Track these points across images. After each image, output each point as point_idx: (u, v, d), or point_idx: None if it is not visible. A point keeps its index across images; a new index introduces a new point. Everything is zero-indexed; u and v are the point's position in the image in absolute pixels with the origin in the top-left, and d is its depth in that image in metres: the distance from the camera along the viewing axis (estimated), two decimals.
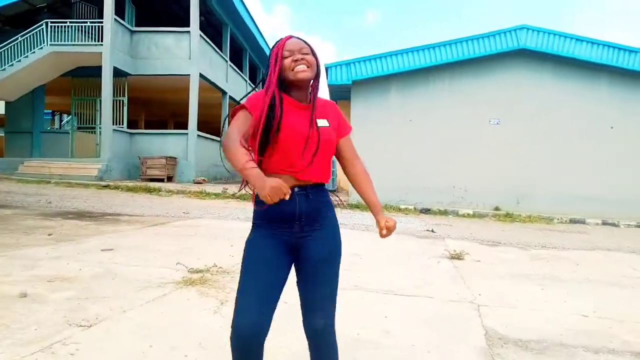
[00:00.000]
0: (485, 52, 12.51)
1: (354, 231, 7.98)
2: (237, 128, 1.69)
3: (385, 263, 5.35)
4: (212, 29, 19.99)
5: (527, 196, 12.85)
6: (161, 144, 16.84)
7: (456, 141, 12.93)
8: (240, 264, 1.81)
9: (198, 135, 17.13)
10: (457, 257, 5.72)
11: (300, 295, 1.86)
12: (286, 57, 1.74)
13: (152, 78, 16.90)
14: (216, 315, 3.20)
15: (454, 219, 11.27)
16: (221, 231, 7.04)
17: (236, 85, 21.72)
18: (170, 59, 16.60)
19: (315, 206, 1.79)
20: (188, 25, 16.60)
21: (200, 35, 16.89)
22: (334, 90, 13.61)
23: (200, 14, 17.07)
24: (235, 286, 3.60)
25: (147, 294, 3.58)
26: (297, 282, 1.86)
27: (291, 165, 1.72)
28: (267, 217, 1.78)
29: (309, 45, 1.80)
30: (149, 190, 13.32)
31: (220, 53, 19.56)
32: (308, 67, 1.74)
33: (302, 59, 1.74)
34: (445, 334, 3.12)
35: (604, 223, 11.59)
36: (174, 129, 18.00)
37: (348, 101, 14.89)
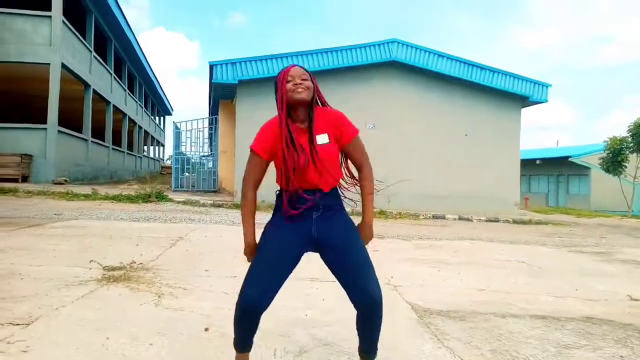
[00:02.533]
0: (364, 61, 13.43)
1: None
2: (252, 176, 2.04)
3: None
4: (75, 15, 18.30)
5: (396, 195, 14.04)
6: (14, 139, 14.98)
7: None
8: (258, 246, 2.04)
9: (59, 131, 15.60)
10: None
11: (346, 281, 2.01)
12: (289, 82, 2.02)
13: (3, 65, 14.98)
14: (160, 308, 3.13)
15: None
16: (112, 231, 6.63)
17: (100, 77, 20.17)
18: (27, 45, 14.89)
19: (329, 203, 2.04)
20: (48, 9, 15.05)
21: (63, 20, 15.42)
22: (219, 88, 13.47)
23: None
24: (164, 281, 3.55)
25: (72, 291, 3.34)
26: (337, 273, 2.03)
27: (295, 182, 1.97)
28: (282, 210, 2.03)
29: (308, 73, 2.06)
30: (3, 191, 11.81)
31: (84, 42, 18.02)
32: (305, 89, 2.00)
33: (300, 83, 2.00)
34: None
35: (460, 218, 13.17)
36: (29, 123, 16.07)
37: (231, 100, 14.82)
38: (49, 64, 14.97)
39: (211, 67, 12.49)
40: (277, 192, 2.07)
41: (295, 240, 2.00)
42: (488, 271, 5.29)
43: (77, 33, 17.01)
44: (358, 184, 2.14)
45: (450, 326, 3.13)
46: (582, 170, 30.33)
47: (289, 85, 2.00)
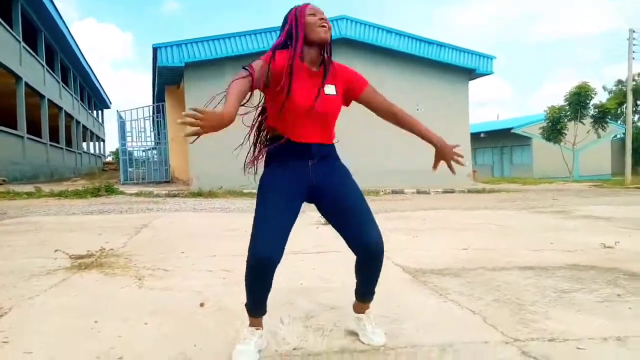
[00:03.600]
0: None
1: (215, 213, 7.79)
2: (237, 87, 1.72)
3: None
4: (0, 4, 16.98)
5: (355, 174, 14.03)
6: None
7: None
8: (256, 202, 1.90)
9: None
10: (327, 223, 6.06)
11: (346, 229, 1.95)
12: (312, 15, 1.88)
13: None
14: (144, 289, 2.90)
15: None
16: (70, 225, 6.20)
17: (32, 70, 18.88)
18: None
19: (325, 152, 1.97)
20: None
21: None
22: (164, 73, 12.91)
23: None
24: (139, 264, 3.33)
25: (42, 281, 3.04)
26: (336, 222, 1.99)
27: (299, 131, 1.89)
28: (281, 154, 1.92)
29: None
30: None
31: (12, 31, 16.76)
32: (329, 29, 1.90)
33: (326, 19, 1.89)
34: None
35: (419, 192, 13.39)
36: None
37: (177, 86, 14.27)
38: None
39: (155, 49, 11.94)
40: (268, 137, 2.00)
41: (295, 189, 1.91)
42: (463, 234, 5.34)
43: (2, 22, 15.79)
44: None
45: (447, 282, 3.10)
46: (524, 141, 31.63)
47: (313, 19, 1.87)
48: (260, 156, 2.08)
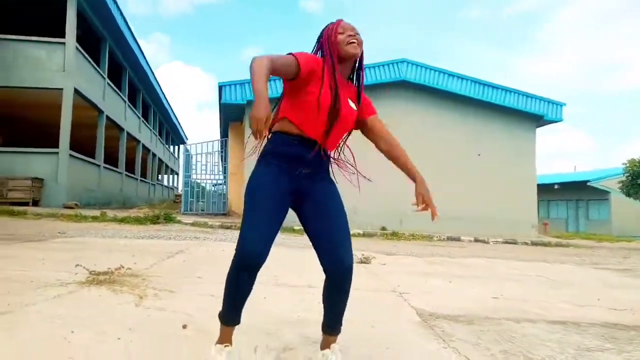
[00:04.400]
0: (374, 80, 13.32)
1: None
2: (279, 61, 1.78)
3: (296, 267, 5.29)
4: (89, 42, 18.67)
5: (408, 217, 13.70)
6: (25, 163, 15.06)
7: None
8: (246, 194, 1.91)
9: (70, 155, 15.68)
10: (364, 261, 5.86)
11: (320, 239, 1.94)
12: (341, 34, 2.00)
13: (17, 91, 15.21)
14: (140, 308, 2.87)
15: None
16: (112, 246, 6.43)
17: (114, 104, 20.41)
18: (41, 71, 15.12)
19: (321, 161, 1.98)
20: (62, 36, 15.33)
21: (77, 47, 15.69)
22: (228, 110, 13.45)
23: (77, 26, 15.90)
24: (151, 285, 3.34)
25: (49, 291, 3.11)
26: (313, 228, 1.96)
27: (312, 129, 1.91)
28: (278, 150, 1.92)
29: (356, 29, 2.05)
30: (12, 213, 11.75)
31: (98, 69, 18.31)
32: (359, 44, 2.01)
33: (355, 35, 2.00)
34: (381, 313, 3.15)
35: (476, 240, 12.73)
36: (41, 147, 16.18)
37: (240, 123, 14.78)
38: (62, 89, 15.17)
39: (220, 87, 12.50)
40: (271, 134, 1.98)
41: (286, 188, 1.91)
42: (502, 283, 4.94)
43: (90, 60, 17.29)
44: (351, 167, 2.13)
45: (456, 329, 2.82)
46: (601, 195, 29.58)
47: (342, 37, 1.99)
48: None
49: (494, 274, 5.75)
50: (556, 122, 14.80)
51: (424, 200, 2.10)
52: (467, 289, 4.34)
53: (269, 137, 1.96)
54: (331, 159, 2.07)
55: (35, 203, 14.67)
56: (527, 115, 14.44)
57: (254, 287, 1.92)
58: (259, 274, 1.87)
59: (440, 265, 6.41)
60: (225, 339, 1.95)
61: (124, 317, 2.63)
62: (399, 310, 3.29)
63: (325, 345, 2.07)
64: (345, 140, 2.16)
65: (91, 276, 3.68)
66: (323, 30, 2.06)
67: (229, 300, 1.92)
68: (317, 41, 2.08)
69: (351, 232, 8.61)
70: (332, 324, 2.04)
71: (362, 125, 2.12)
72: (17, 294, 2.99)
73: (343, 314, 2.03)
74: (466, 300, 3.76)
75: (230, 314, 1.93)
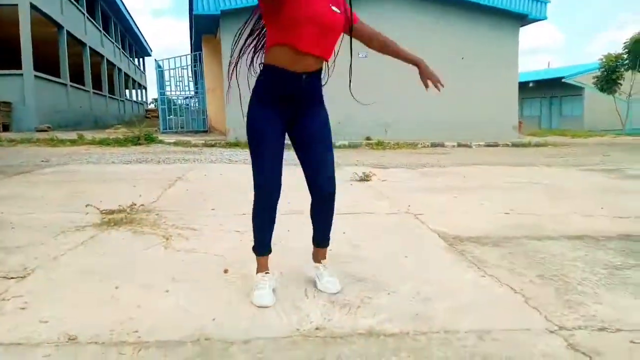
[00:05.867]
0: None
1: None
2: None
3: (302, 190, 5.27)
4: None
5: (392, 125, 13.67)
6: None
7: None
8: (248, 137, 2.09)
9: (36, 77, 14.79)
10: (365, 179, 5.88)
11: (308, 164, 2.16)
12: None
13: None
14: (170, 250, 2.84)
15: (334, 150, 11.51)
16: (106, 175, 6.27)
17: (73, 18, 18.95)
18: None
19: (313, 89, 2.09)
20: None
21: None
22: (200, 21, 12.64)
23: None
24: (170, 222, 3.27)
25: (70, 238, 3.03)
26: (300, 155, 2.17)
27: (305, 44, 1.96)
28: (271, 90, 2.04)
29: None
30: None
31: None
32: None
33: None
34: (406, 241, 3.20)
35: (459, 145, 12.92)
36: (3, 69, 15.10)
37: (214, 36, 14.00)
38: (17, 4, 13.92)
39: None
40: (261, 65, 2.08)
41: (282, 122, 2.09)
42: (506, 195, 5.05)
43: None
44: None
45: (486, 253, 2.89)
46: (575, 91, 29.92)
47: None
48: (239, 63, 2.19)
49: (492, 183, 5.87)
50: (540, 20, 14.46)
51: (432, 80, 2.47)
52: (477, 206, 4.42)
53: (261, 68, 2.07)
54: (321, 79, 2.14)
55: (6, 128, 14.07)
56: (511, 15, 14.01)
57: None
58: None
59: (437, 177, 6.50)
60: (263, 267, 2.20)
61: (159, 263, 2.60)
62: (422, 235, 3.34)
63: (316, 257, 2.36)
64: (339, 45, 2.14)
65: (105, 216, 3.59)
66: None
67: (259, 236, 2.18)
68: None
69: (337, 144, 8.67)
70: (322, 238, 2.32)
71: (350, 30, 2.15)
72: (39, 243, 2.90)
73: (330, 229, 2.31)
74: (481, 219, 3.84)
75: (262, 246, 2.20)
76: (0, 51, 18.05)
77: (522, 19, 14.22)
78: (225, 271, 2.47)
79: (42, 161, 8.00)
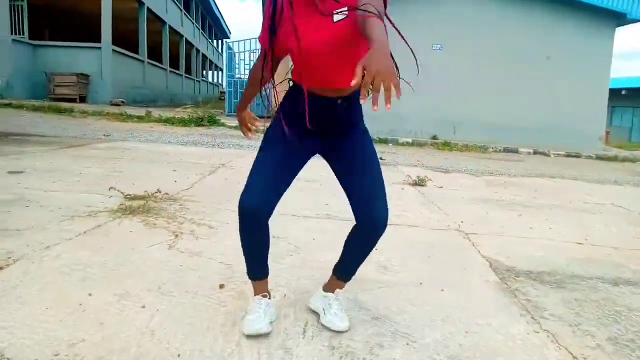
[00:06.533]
0: None
1: None
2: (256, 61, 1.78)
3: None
4: None
5: (462, 125, 12.83)
6: (71, 59, 14.81)
7: (399, 66, 12.43)
8: (258, 151, 1.75)
9: (114, 51, 15.28)
10: (419, 183, 5.35)
11: (352, 195, 1.75)
12: None
13: None
14: (173, 251, 2.53)
15: (395, 147, 10.98)
16: (155, 155, 6.16)
17: None
18: None
19: (344, 118, 1.68)
20: None
21: None
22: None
23: None
24: (189, 215, 2.88)
25: (76, 225, 2.80)
26: (344, 182, 1.78)
27: (308, 76, 1.59)
28: (290, 110, 1.70)
29: None
30: (60, 110, 11.74)
31: None
32: None
33: None
34: (448, 267, 2.69)
35: (535, 152, 11.88)
36: (83, 42, 15.79)
37: None
38: None
39: None
40: (291, 84, 1.71)
41: (302, 141, 1.71)
42: (581, 217, 4.36)
43: None
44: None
45: (546, 296, 2.34)
46: None
47: None
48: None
49: (566, 202, 5.14)
50: None
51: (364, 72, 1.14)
52: (544, 229, 3.79)
53: (289, 85, 1.72)
54: (352, 101, 1.66)
55: (82, 99, 14.64)
56: (607, 13, 12.63)
57: None
58: None
59: (503, 188, 5.83)
60: (259, 290, 1.84)
61: (154, 266, 2.28)
62: (470, 262, 2.82)
63: (330, 287, 1.92)
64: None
65: (125, 202, 3.36)
66: None
67: (248, 254, 1.79)
68: None
69: (400, 141, 8.01)
70: (350, 270, 1.88)
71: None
72: (42, 228, 2.69)
73: (362, 263, 1.86)
74: (546, 246, 3.24)
75: (252, 268, 1.82)
76: (81, 25, 18.90)
77: (619, 19, 12.79)
78: (221, 286, 2.11)
79: (104, 135, 8.12)
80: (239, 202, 1.66)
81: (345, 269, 1.88)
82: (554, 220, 4.13)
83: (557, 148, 12.20)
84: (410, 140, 11.84)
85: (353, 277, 1.90)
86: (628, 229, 4.04)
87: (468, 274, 2.61)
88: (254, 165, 1.72)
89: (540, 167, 9.02)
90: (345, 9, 1.47)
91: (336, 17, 1.49)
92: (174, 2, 23.16)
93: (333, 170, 1.81)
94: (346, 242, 1.84)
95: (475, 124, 12.79)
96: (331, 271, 1.93)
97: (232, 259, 2.45)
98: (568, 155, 11.77)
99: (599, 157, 11.93)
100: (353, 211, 1.75)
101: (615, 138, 25.56)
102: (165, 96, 21.64)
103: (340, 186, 1.79)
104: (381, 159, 8.34)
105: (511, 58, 12.69)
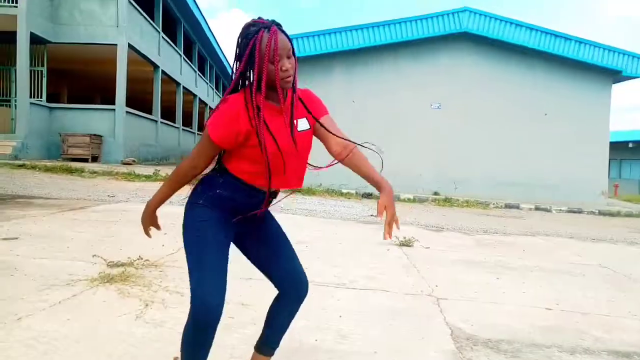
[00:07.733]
0: (427, 34, 12.36)
1: (296, 216, 7.51)
2: (203, 161, 1.69)
3: (332, 252, 4.95)
4: None
5: (464, 181, 12.98)
6: (86, 120, 15.47)
7: (398, 124, 12.77)
8: (189, 242, 1.68)
9: (127, 112, 15.93)
10: (405, 244, 5.43)
11: (274, 264, 1.84)
12: (272, 63, 1.51)
13: (75, 47, 15.41)
14: (139, 321, 2.64)
15: (396, 203, 11.05)
16: None
17: (169, 59, 20.43)
18: (96, 26, 15.18)
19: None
20: None
21: (129, 1, 15.57)
22: None
23: None
24: (165, 282, 3.01)
25: (53, 295, 2.95)
26: (262, 262, 1.86)
27: (266, 180, 1.63)
28: (224, 196, 1.69)
29: (291, 41, 1.59)
30: (70, 171, 12.16)
31: (152, 23, 18.23)
32: (294, 73, 1.58)
33: (288, 69, 1.55)
34: (408, 335, 2.75)
35: (537, 208, 11.89)
36: (100, 104, 16.57)
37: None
38: (116, 44, 15.21)
39: None
40: (214, 174, 1.72)
41: (229, 231, 1.72)
42: (560, 280, 4.39)
43: (144, 14, 17.18)
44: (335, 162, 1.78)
45: None
46: None
47: (273, 69, 1.52)
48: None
49: (552, 262, 5.17)
50: (636, 77, 13.25)
51: (387, 212, 1.62)
52: (517, 292, 3.84)
53: (217, 174, 1.70)
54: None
55: (95, 159, 15.14)
56: (603, 71, 12.99)
57: None
58: None
59: (492, 248, 5.88)
60: None
61: (113, 339, 2.39)
62: (431, 330, 2.88)
63: None
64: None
65: (106, 270, 3.51)
66: (247, 37, 1.55)
67: (189, 357, 1.66)
68: (239, 53, 1.59)
69: (401, 197, 8.19)
70: (275, 341, 1.91)
71: (316, 129, 1.76)
72: (18, 298, 2.83)
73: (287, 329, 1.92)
74: (514, 313, 3.29)
75: None
76: (98, 87, 19.81)
77: (616, 75, 13.11)
78: (175, 359, 2.21)
79: (109, 196, 8.40)
80: (198, 301, 1.54)
81: (270, 342, 1.90)
82: (531, 283, 4.17)
83: (560, 204, 12.22)
84: (411, 196, 11.97)
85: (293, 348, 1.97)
86: (605, 292, 4.05)
87: (425, 343, 2.67)
88: (195, 266, 1.61)
89: (539, 224, 9.03)
90: (307, 123, 1.70)
91: (300, 126, 1.68)
92: (189, 64, 24.23)
93: (245, 250, 1.85)
94: (273, 315, 1.89)
95: (476, 181, 12.94)
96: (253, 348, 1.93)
97: None
98: (570, 211, 11.75)
99: (602, 213, 11.89)
100: (277, 284, 1.84)
101: (625, 191, 25.38)
102: (177, 153, 22.24)
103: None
104: (372, 215, 8.51)
105: (511, 114, 12.98)
